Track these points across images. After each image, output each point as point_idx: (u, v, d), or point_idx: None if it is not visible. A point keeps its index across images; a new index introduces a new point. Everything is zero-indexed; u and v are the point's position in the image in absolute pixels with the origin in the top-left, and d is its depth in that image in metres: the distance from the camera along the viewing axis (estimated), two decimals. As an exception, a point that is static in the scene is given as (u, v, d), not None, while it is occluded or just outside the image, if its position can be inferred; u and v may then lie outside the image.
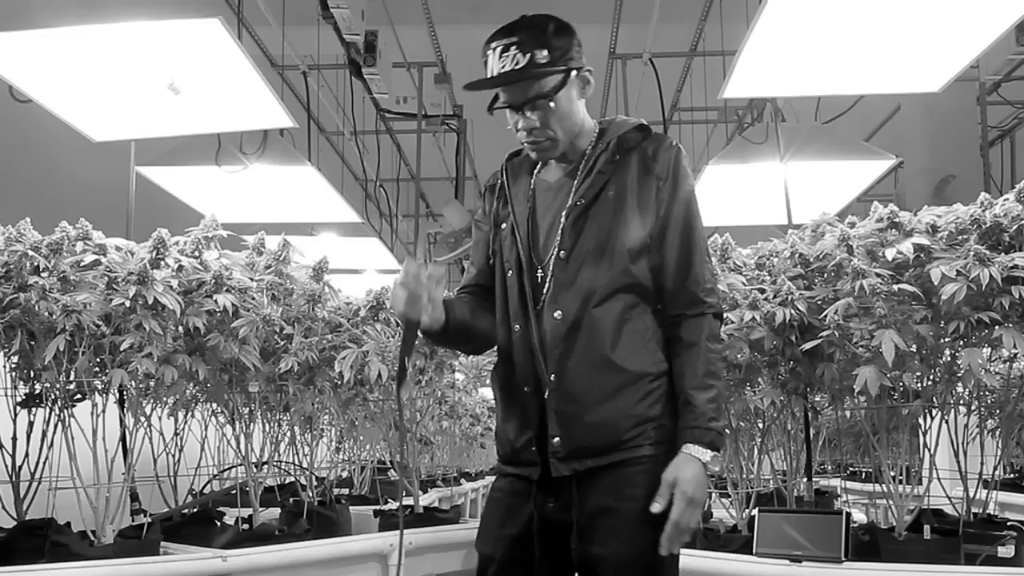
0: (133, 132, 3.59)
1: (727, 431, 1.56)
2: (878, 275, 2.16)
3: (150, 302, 2.35)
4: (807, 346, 2.29)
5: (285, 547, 2.67)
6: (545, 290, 1.59)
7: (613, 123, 1.68)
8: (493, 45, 1.56)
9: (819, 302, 2.33)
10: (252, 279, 2.65)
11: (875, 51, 2.98)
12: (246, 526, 2.78)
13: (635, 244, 1.58)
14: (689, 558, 2.43)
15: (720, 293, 1.68)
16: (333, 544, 2.77)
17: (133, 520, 2.72)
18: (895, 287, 2.17)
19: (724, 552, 2.42)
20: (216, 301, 2.47)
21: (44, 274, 2.37)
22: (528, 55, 1.54)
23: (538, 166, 1.71)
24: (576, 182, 1.64)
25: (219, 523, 2.81)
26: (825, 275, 2.39)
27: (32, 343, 2.42)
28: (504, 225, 1.68)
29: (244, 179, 4.11)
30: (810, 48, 2.96)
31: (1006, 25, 2.74)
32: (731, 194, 4.56)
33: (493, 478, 1.77)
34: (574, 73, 1.60)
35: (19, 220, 2.48)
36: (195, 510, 2.87)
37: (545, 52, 1.56)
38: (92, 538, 2.43)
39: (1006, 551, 2.21)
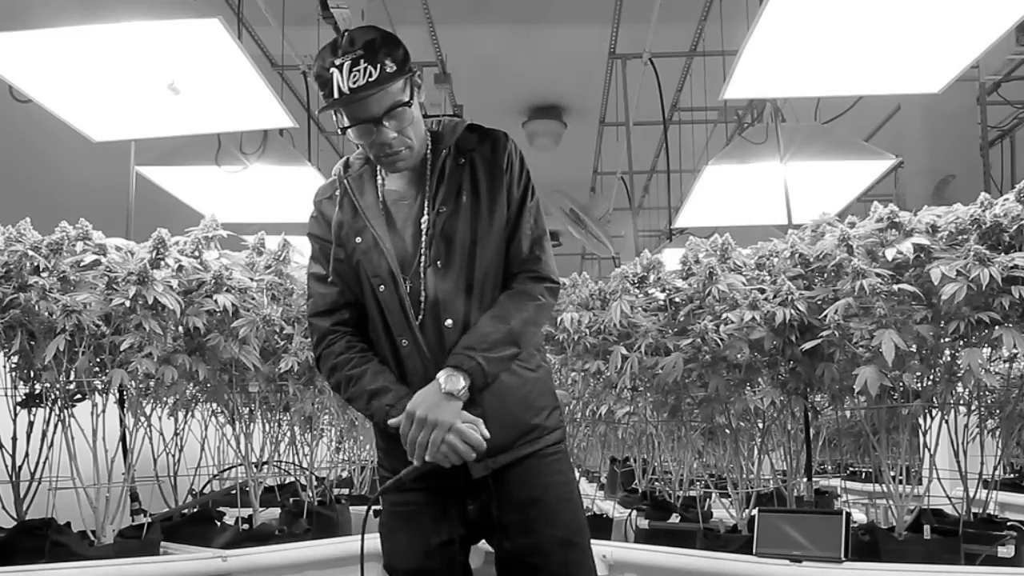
0: (133, 132, 3.58)
1: (495, 357, 1.57)
2: (878, 275, 2.16)
3: (150, 302, 2.35)
4: (807, 346, 2.29)
5: (285, 547, 2.67)
6: (423, 300, 1.61)
7: (444, 126, 1.70)
8: (337, 63, 1.54)
9: (819, 302, 2.33)
10: (252, 279, 2.65)
11: (875, 51, 2.98)
12: (246, 526, 2.78)
13: (500, 243, 1.65)
14: (689, 558, 2.43)
15: (546, 259, 1.69)
16: (333, 544, 2.77)
17: (133, 520, 2.72)
18: (895, 287, 2.17)
19: (724, 552, 2.42)
20: (216, 301, 2.47)
21: (44, 274, 2.37)
22: (379, 66, 1.55)
23: (378, 177, 1.70)
24: (428, 189, 1.65)
25: (219, 523, 2.81)
26: (825, 275, 2.39)
27: (32, 343, 2.42)
28: (360, 239, 1.65)
29: (244, 179, 4.11)
30: (810, 49, 2.95)
31: (1006, 25, 2.73)
32: (731, 194, 4.56)
33: None
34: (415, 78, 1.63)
35: (19, 220, 2.48)
36: (195, 510, 2.87)
37: (390, 60, 1.56)
38: (92, 538, 2.43)
39: (1006, 551, 2.21)
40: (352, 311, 1.68)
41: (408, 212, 1.67)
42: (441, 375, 1.54)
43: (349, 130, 1.61)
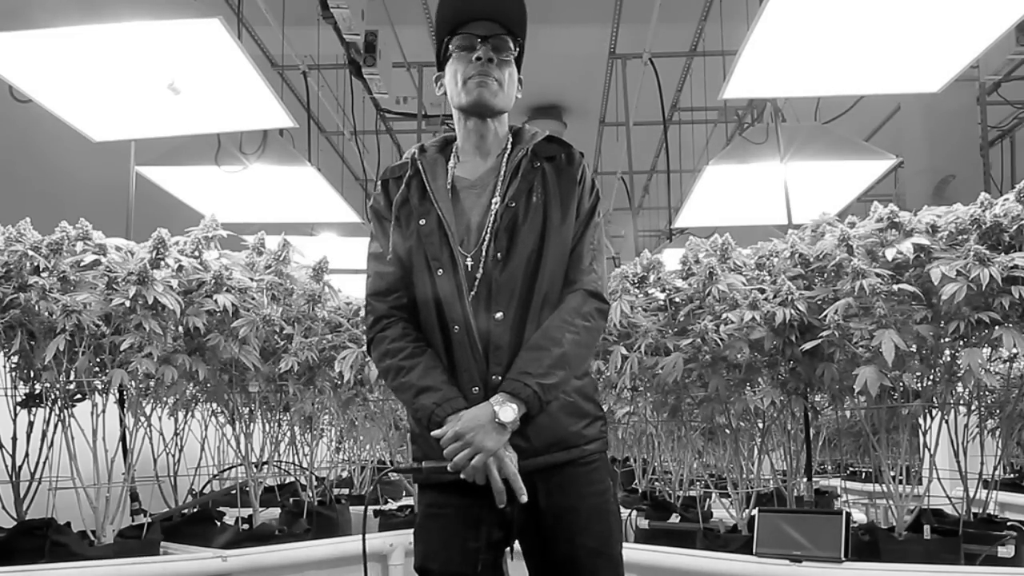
0: (133, 132, 3.59)
1: (550, 384, 1.56)
2: (878, 275, 2.16)
3: (150, 302, 2.35)
4: (807, 346, 2.29)
5: (285, 547, 2.67)
6: (475, 288, 1.60)
7: (525, 130, 1.74)
8: None
9: (819, 302, 2.33)
10: (252, 279, 2.65)
11: (875, 51, 2.98)
12: (246, 526, 2.78)
13: (564, 248, 1.65)
14: (689, 558, 2.43)
15: (602, 276, 1.70)
16: (333, 544, 2.77)
17: (133, 520, 2.72)
18: (895, 287, 2.17)
19: (724, 552, 2.42)
20: (216, 301, 2.47)
21: (44, 274, 2.37)
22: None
23: (451, 161, 1.72)
24: (501, 183, 1.66)
25: (219, 523, 2.81)
26: (825, 275, 2.39)
27: (32, 343, 2.42)
28: (424, 221, 1.65)
29: (244, 179, 4.11)
30: (810, 48, 2.96)
31: (1006, 25, 2.74)
32: (731, 194, 4.56)
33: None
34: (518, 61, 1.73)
35: (19, 220, 2.49)
36: (195, 510, 2.87)
37: (520, 8, 1.70)
38: (92, 538, 2.43)
39: (1006, 551, 2.21)
40: (409, 293, 1.66)
41: (476, 201, 1.67)
42: (496, 403, 1.53)
43: (452, 58, 1.71)
